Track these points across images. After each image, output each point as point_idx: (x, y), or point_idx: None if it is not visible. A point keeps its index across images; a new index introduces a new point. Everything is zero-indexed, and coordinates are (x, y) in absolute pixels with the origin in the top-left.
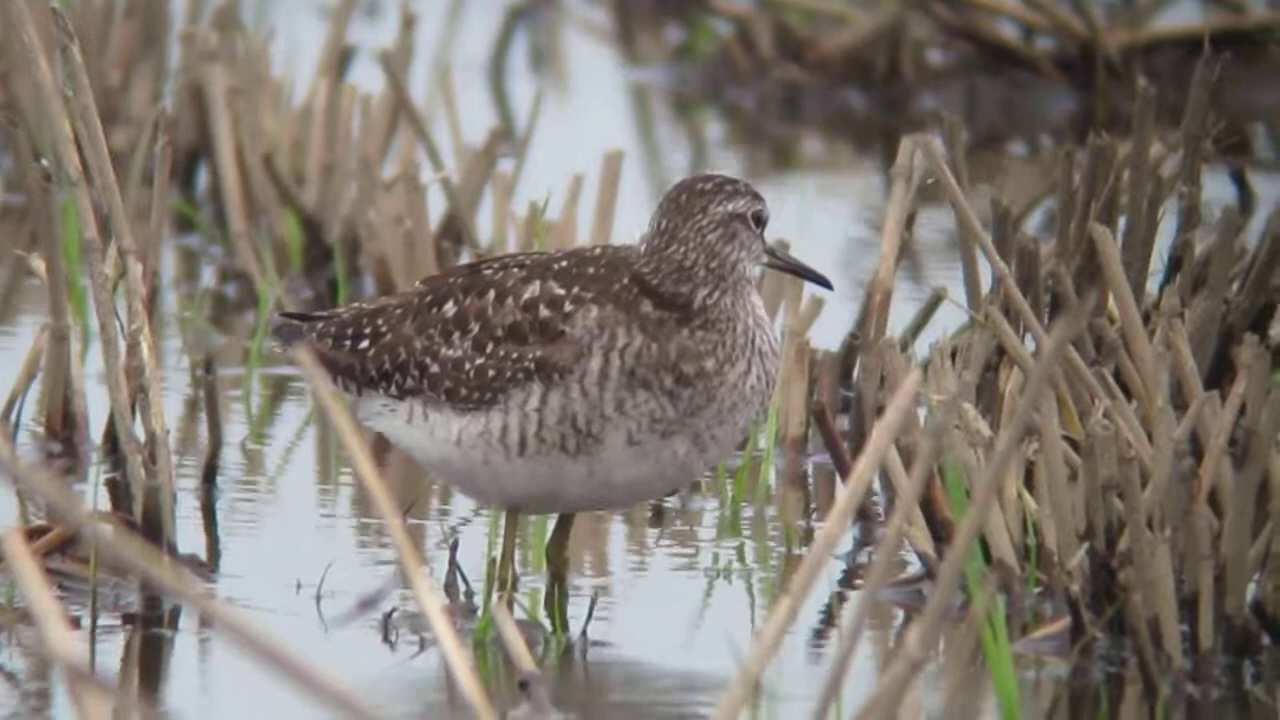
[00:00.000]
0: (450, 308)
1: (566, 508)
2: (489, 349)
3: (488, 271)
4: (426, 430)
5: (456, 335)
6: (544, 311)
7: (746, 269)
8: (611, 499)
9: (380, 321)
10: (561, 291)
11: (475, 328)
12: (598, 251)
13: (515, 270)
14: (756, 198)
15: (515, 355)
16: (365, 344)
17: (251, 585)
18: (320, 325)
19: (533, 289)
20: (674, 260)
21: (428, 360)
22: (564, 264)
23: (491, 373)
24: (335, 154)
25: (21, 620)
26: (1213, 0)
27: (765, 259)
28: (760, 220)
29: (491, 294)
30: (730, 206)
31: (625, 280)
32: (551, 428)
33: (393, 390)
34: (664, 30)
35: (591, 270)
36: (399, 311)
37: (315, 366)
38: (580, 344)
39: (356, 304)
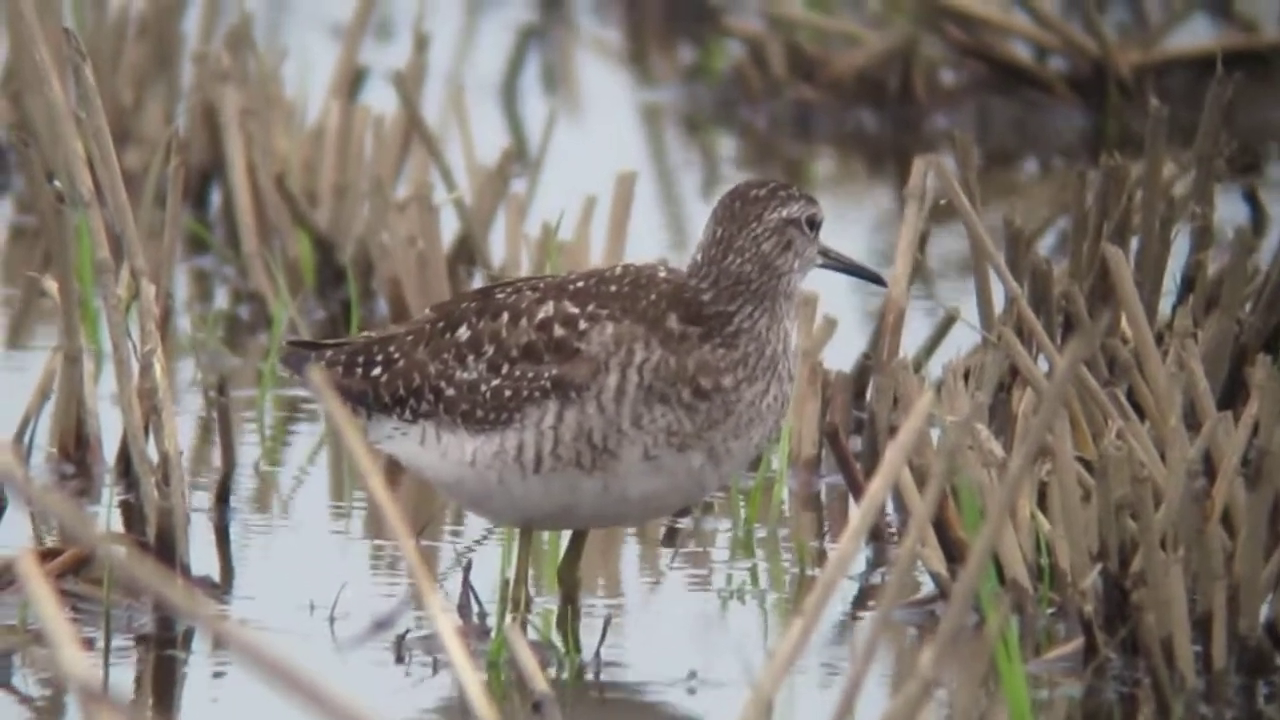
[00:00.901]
0: (464, 331)
1: (581, 524)
2: (504, 370)
3: (500, 295)
4: (439, 452)
5: (471, 358)
6: (559, 330)
7: (795, 281)
8: (626, 514)
9: (392, 348)
10: (575, 310)
11: (490, 349)
12: (619, 271)
13: (529, 292)
14: (810, 201)
15: (531, 374)
16: (378, 370)
17: (265, 607)
18: (330, 353)
19: (547, 309)
20: (731, 272)
21: (442, 384)
22: (580, 284)
23: (508, 393)
24: (348, 174)
25: (35, 642)
26: (1225, 20)
27: (820, 260)
28: (814, 224)
29: (505, 316)
30: (784, 212)
31: (653, 296)
32: (567, 444)
33: (406, 415)
34: (676, 50)
35: (614, 289)
36: (410, 338)
37: (328, 388)
38: (597, 360)
39: (366, 334)
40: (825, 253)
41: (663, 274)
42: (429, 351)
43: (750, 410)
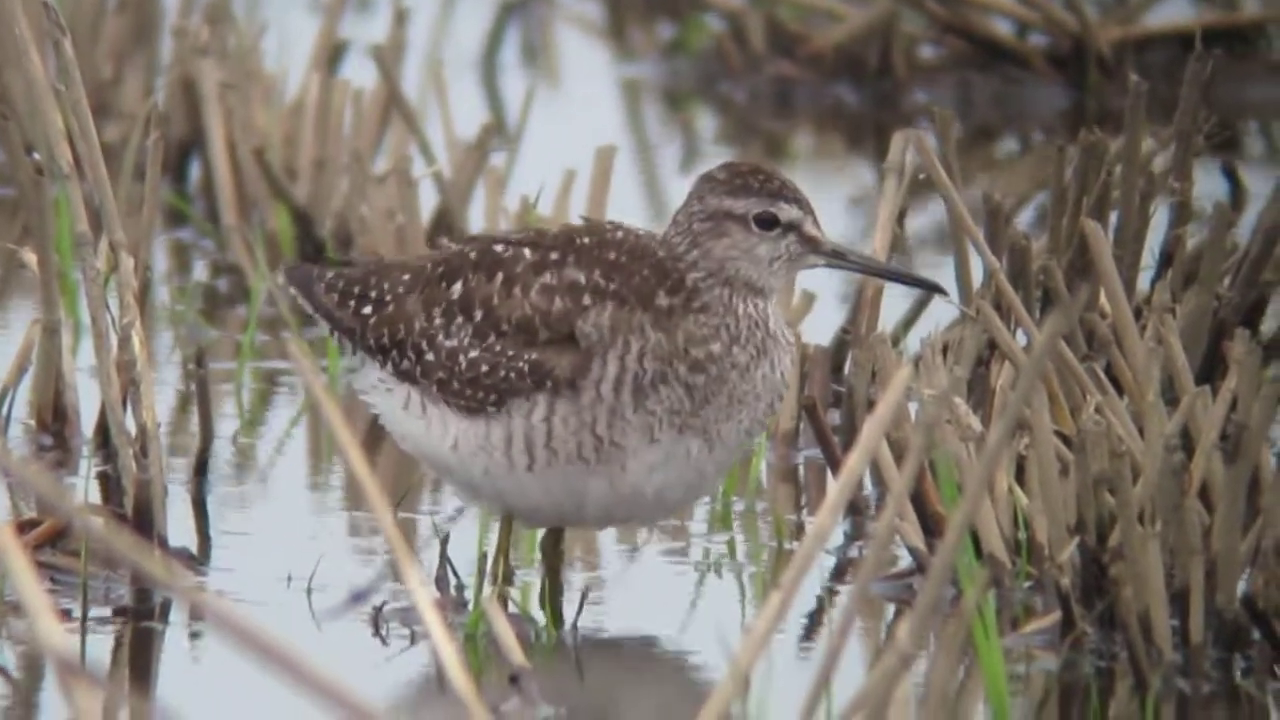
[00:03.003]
0: (458, 288)
1: (585, 521)
2: (489, 340)
3: (499, 248)
4: (423, 424)
5: (460, 320)
6: (559, 303)
7: (742, 270)
8: (637, 511)
9: (386, 286)
10: (581, 279)
11: (479, 315)
12: (620, 235)
13: (528, 252)
14: (770, 197)
15: (511, 353)
16: (369, 309)
17: (242, 579)
18: (330, 276)
19: (547, 278)
20: (671, 243)
21: (424, 344)
22: (586, 241)
23: (485, 368)
24: (327, 148)
25: (12, 613)
26: None
27: (822, 261)
28: (766, 222)
29: (500, 277)
30: (726, 203)
31: (645, 272)
32: (564, 437)
33: (389, 368)
34: (656, 25)
35: (613, 256)
36: (408, 279)
37: (306, 359)
38: (590, 340)
39: (375, 255)
40: (840, 254)
41: (656, 244)
42: (421, 300)
43: (744, 381)
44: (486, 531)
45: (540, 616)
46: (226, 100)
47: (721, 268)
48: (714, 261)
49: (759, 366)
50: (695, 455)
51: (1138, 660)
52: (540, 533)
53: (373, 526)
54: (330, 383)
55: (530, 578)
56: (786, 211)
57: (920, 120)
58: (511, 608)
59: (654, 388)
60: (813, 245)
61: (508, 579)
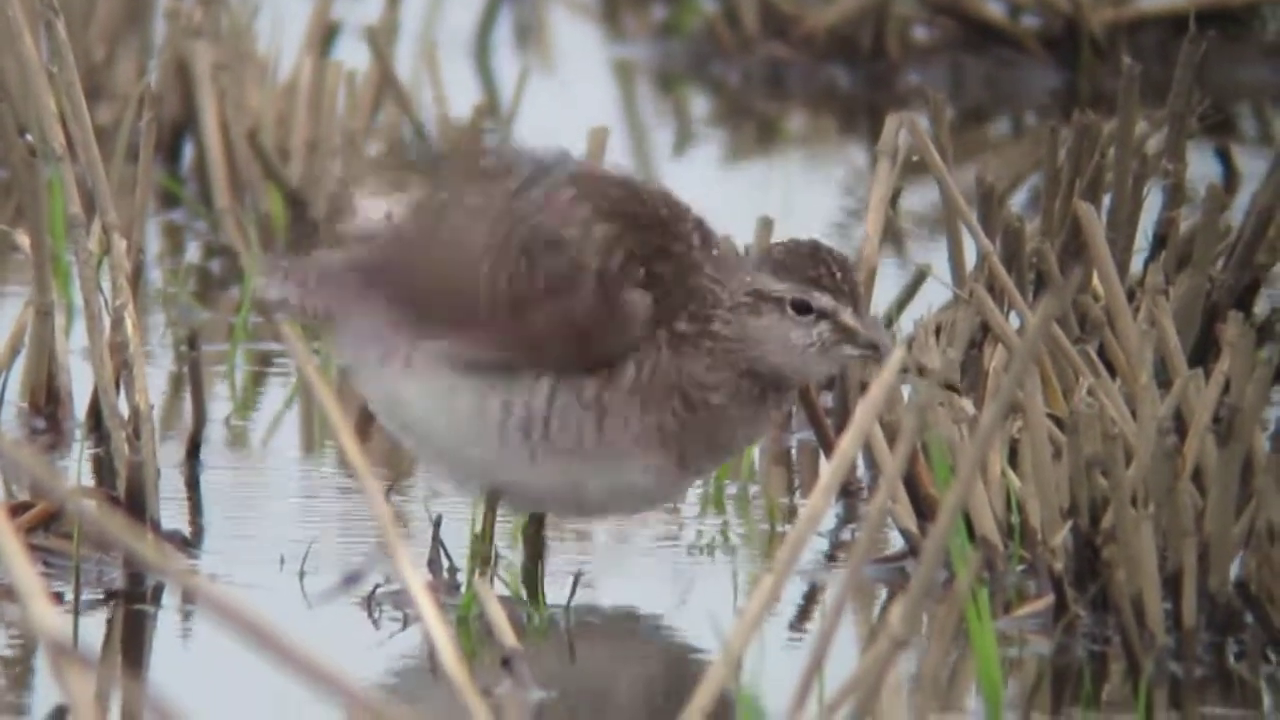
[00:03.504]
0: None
1: (580, 513)
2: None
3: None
4: (415, 384)
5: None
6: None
7: (769, 355)
8: (625, 506)
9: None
10: (639, 257)
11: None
12: (678, 249)
13: (584, 210)
14: (808, 283)
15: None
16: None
17: (234, 562)
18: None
19: (606, 259)
20: (722, 283)
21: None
22: (645, 231)
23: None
24: (320, 130)
25: (4, 596)
26: None
27: (845, 351)
28: (801, 308)
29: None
30: (767, 283)
31: (679, 292)
32: (567, 428)
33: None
34: (649, 7)
35: (660, 270)
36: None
37: (298, 341)
38: (634, 308)
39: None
40: (875, 346)
41: (709, 268)
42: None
43: (729, 426)
44: (478, 514)
45: (530, 600)
46: (219, 82)
47: (746, 347)
48: (745, 335)
49: (754, 422)
50: (671, 471)
51: (1130, 644)
52: (524, 518)
53: (365, 509)
54: (324, 365)
55: (518, 561)
56: (819, 299)
57: (913, 102)
58: (503, 590)
59: (649, 403)
60: (849, 336)
61: (493, 562)
